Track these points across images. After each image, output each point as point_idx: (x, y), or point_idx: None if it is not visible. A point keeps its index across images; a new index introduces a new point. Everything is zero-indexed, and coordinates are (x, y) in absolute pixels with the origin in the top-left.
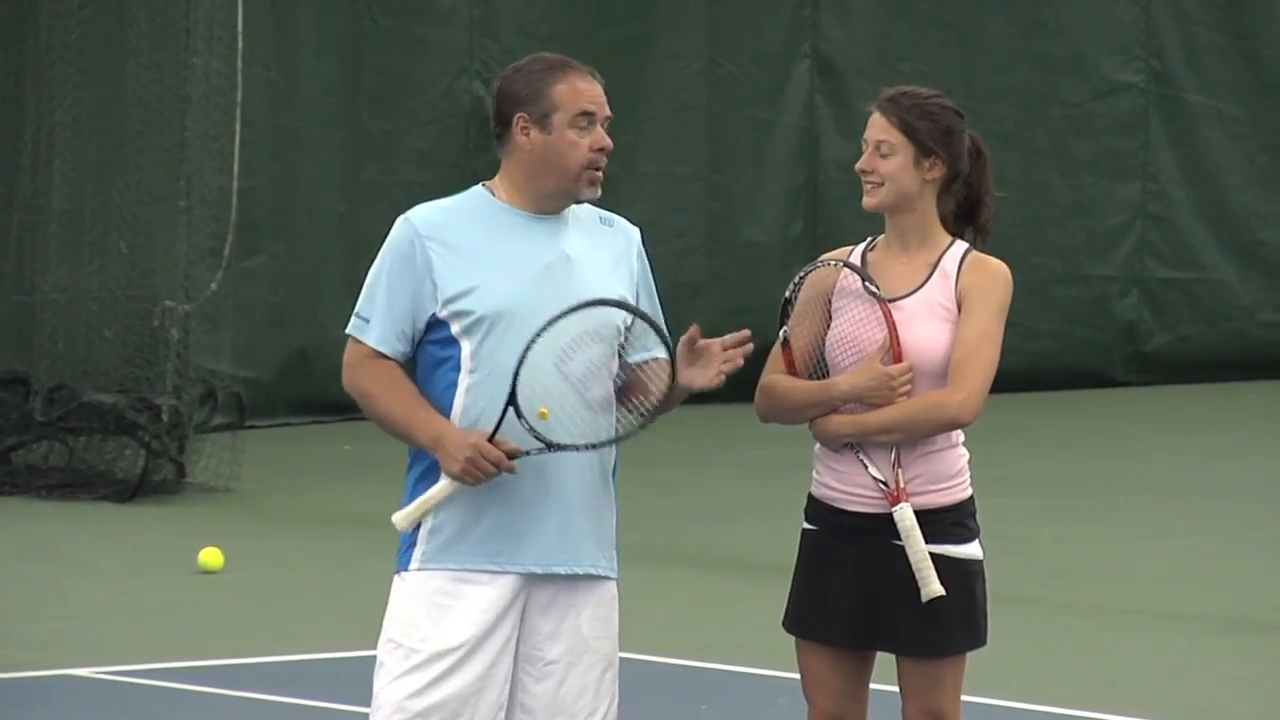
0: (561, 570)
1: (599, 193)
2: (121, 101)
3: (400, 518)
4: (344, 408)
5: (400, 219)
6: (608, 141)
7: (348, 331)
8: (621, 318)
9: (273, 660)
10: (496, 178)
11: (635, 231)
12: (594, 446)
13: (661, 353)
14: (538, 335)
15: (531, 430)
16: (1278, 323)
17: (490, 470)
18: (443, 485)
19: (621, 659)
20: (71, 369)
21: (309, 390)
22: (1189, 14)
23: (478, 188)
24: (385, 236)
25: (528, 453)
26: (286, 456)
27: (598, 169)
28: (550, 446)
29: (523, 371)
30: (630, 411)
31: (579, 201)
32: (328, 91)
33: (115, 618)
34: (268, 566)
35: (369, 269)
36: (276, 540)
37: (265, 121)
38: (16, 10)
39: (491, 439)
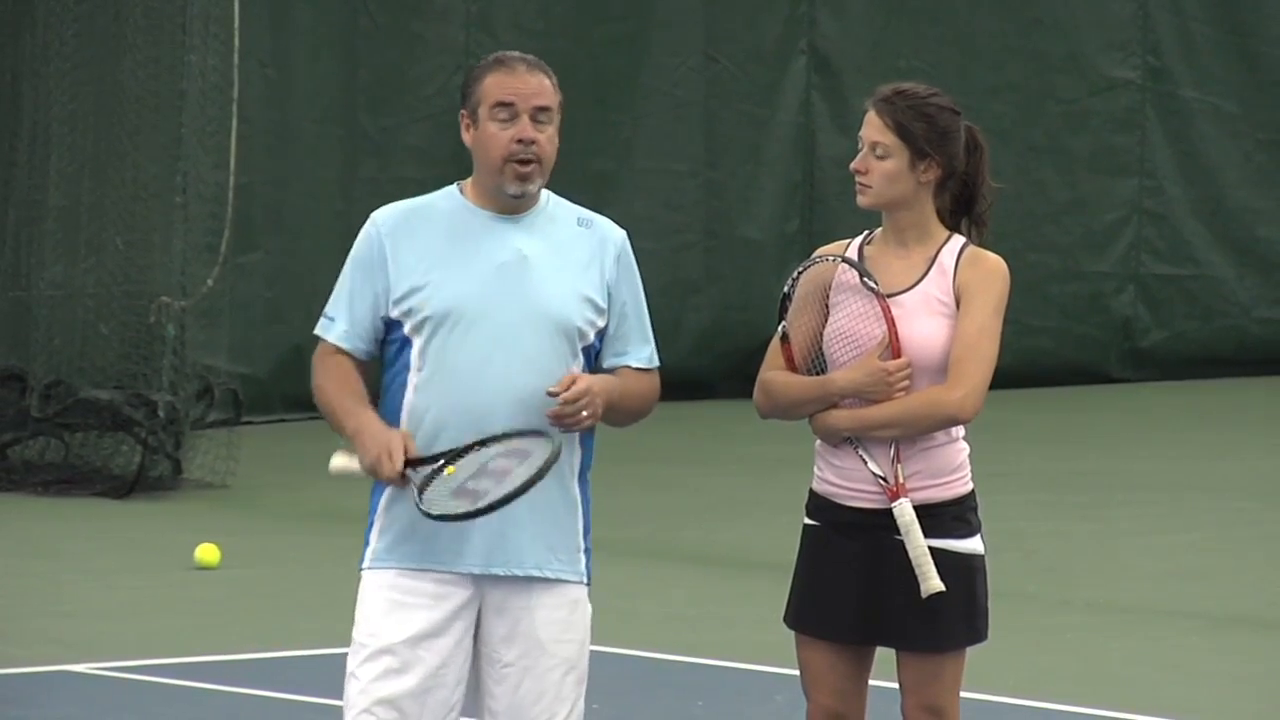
0: (500, 572)
1: (528, 188)
2: (118, 98)
3: (335, 457)
4: None
5: (370, 217)
6: (530, 133)
7: (315, 331)
8: (583, 318)
9: (269, 656)
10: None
11: (618, 234)
12: (447, 518)
13: (634, 361)
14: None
15: (435, 476)
16: (1274, 319)
17: (386, 474)
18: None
19: (617, 655)
20: (68, 365)
21: (305, 386)
22: (1186, 10)
23: (451, 186)
24: None
25: (410, 483)
26: (282, 453)
27: (522, 161)
28: (422, 499)
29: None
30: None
31: (511, 196)
32: (324, 88)
33: (111, 614)
34: (264, 562)
35: None
36: (272, 536)
37: (262, 118)
38: (13, 6)
39: (414, 460)
